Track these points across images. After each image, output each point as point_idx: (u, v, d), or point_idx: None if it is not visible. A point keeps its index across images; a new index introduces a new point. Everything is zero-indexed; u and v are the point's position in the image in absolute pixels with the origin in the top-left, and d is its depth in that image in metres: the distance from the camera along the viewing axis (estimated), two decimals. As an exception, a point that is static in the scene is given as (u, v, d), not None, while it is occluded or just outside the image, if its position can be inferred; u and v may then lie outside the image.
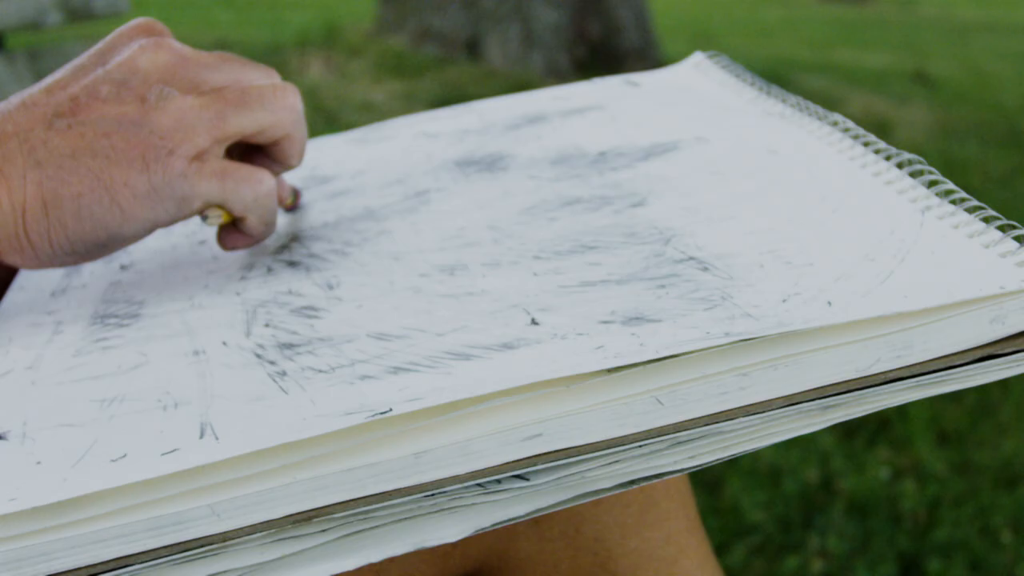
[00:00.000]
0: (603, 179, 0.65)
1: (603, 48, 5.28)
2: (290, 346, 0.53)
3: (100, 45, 0.58)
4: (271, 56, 4.88)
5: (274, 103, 0.58)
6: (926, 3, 11.60)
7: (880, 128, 4.70)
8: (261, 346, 0.53)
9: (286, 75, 4.67)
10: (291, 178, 0.75)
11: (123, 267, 0.65)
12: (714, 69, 0.80)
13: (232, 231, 0.60)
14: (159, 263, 0.64)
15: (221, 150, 0.57)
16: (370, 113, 4.31)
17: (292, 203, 0.68)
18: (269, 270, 0.61)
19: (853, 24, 9.61)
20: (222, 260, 0.64)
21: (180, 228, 0.68)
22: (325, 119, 4.17)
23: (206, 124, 0.56)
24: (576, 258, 0.56)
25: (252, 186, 0.57)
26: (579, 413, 0.45)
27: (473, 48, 5.00)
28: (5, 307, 0.62)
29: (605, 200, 0.62)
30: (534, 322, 0.51)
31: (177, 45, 0.57)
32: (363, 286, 0.58)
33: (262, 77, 0.59)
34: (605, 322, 0.50)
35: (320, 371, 0.50)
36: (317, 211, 0.68)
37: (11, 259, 0.56)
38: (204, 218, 0.57)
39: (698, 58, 0.83)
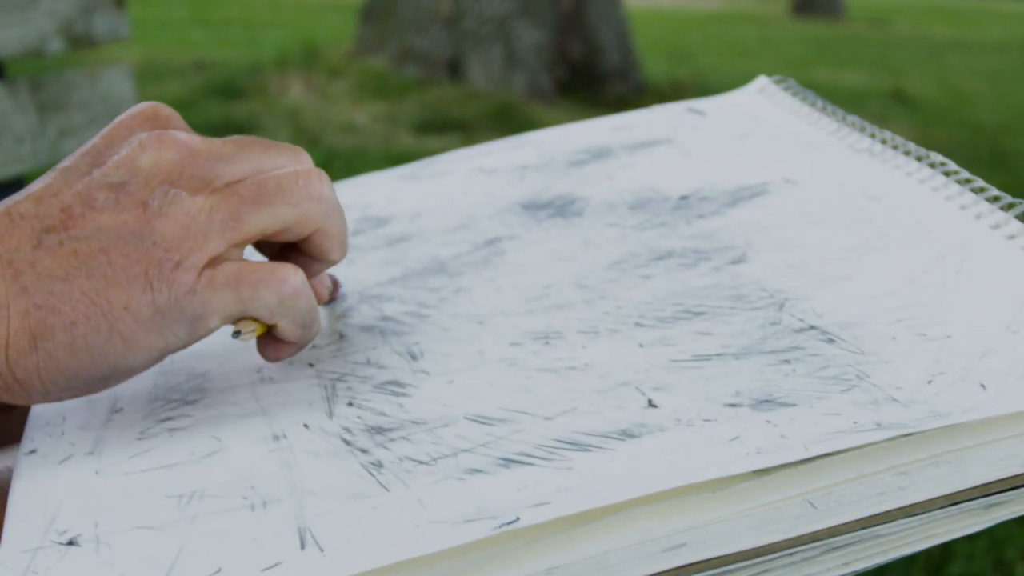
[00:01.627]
0: (692, 228, 0.61)
1: (585, 68, 5.25)
2: (380, 430, 0.48)
3: (95, 140, 0.50)
4: (250, 77, 4.82)
5: (297, 194, 0.49)
6: (899, 21, 11.66)
7: (863, 148, 4.68)
8: (348, 430, 0.48)
9: (266, 96, 4.62)
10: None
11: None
12: (781, 94, 0.76)
13: (270, 341, 0.52)
14: (218, 333, 0.59)
15: (240, 254, 0.49)
16: (352, 135, 4.26)
17: (331, 295, 0.62)
18: (341, 336, 0.56)
19: (828, 42, 9.64)
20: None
21: None
22: (307, 141, 4.12)
23: (218, 227, 0.47)
24: (683, 326, 0.52)
25: (274, 287, 0.49)
26: (725, 520, 0.41)
27: (455, 69, 4.96)
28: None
29: (700, 254, 0.58)
30: (651, 404, 0.47)
31: (184, 137, 0.49)
32: (450, 356, 0.53)
33: (287, 162, 0.51)
34: (731, 405, 0.46)
35: (420, 462, 0.45)
36: (379, 260, 0.64)
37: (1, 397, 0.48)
38: (236, 335, 0.49)
39: (762, 82, 0.79)
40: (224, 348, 0.57)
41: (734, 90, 0.81)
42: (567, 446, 0.45)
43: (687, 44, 8.50)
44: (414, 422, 0.48)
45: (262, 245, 0.54)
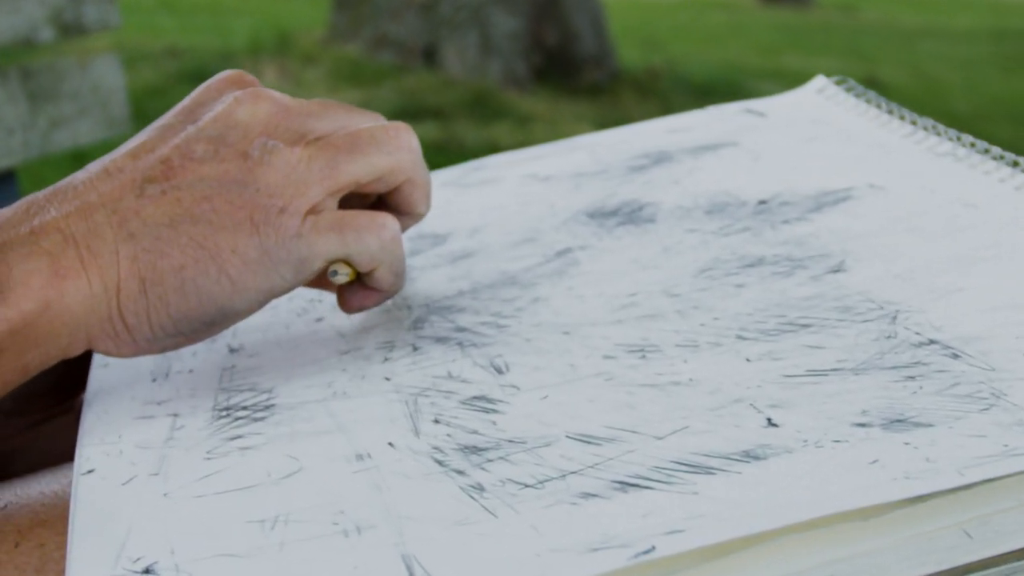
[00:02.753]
0: (780, 234, 0.57)
1: (560, 55, 5.21)
2: (475, 450, 0.44)
3: (185, 102, 0.51)
4: (223, 64, 4.75)
5: (389, 144, 0.51)
6: (868, 8, 11.69)
7: (839, 136, 4.67)
8: (438, 449, 0.45)
9: (240, 83, 4.55)
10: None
11: (233, 350, 0.56)
12: (842, 95, 0.73)
13: (358, 289, 0.53)
14: (276, 344, 0.56)
15: (335, 203, 0.51)
16: (329, 123, 4.21)
17: None
18: (415, 348, 0.53)
19: (798, 29, 9.64)
20: (351, 338, 0.55)
21: (286, 305, 0.60)
22: (283, 129, 4.06)
23: (317, 176, 0.49)
24: (790, 339, 0.49)
25: (376, 233, 0.51)
26: (876, 552, 0.38)
27: (430, 56, 4.91)
28: (95, 391, 0.53)
29: (795, 262, 0.55)
30: (771, 423, 0.43)
31: (276, 95, 0.51)
32: (539, 370, 0.49)
33: (369, 121, 0.52)
34: (860, 424, 0.42)
35: (526, 485, 0.42)
36: (443, 277, 0.60)
37: (103, 347, 0.49)
38: (333, 275, 0.51)
39: (821, 83, 0.76)
40: (289, 363, 0.53)
41: (791, 91, 0.79)
42: (687, 468, 0.41)
43: (657, 31, 8.48)
44: (511, 441, 0.45)
45: (351, 201, 0.53)
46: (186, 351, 0.56)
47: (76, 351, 0.48)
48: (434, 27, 4.89)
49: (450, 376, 0.50)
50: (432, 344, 0.53)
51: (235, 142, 0.49)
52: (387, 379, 0.50)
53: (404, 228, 0.55)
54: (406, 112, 4.36)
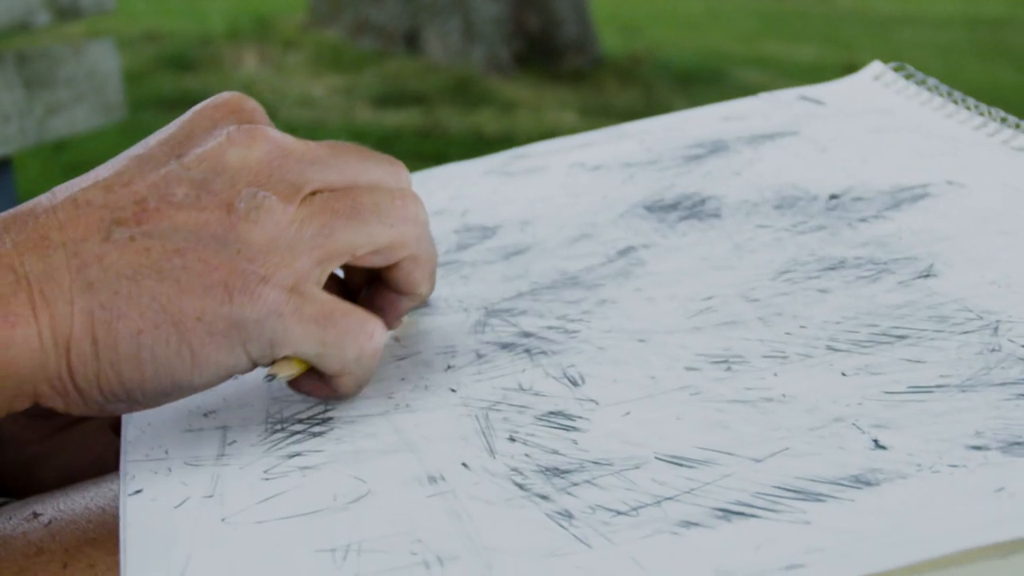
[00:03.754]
0: (859, 234, 0.54)
1: (542, 41, 5.18)
2: (558, 472, 0.41)
3: (172, 129, 0.45)
4: (202, 48, 4.69)
5: (393, 214, 0.45)
6: (844, -4, 11.67)
7: (822, 124, 4.65)
8: (517, 471, 0.42)
9: (219, 68, 4.50)
10: (441, 228, 0.63)
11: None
12: (901, 82, 0.70)
13: (312, 379, 0.46)
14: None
15: (323, 276, 0.44)
16: (310, 108, 4.16)
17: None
18: (479, 355, 0.50)
19: (776, 16, 9.63)
20: (407, 343, 0.52)
21: None
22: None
23: (308, 243, 0.43)
24: (886, 351, 0.46)
25: (360, 342, 0.44)
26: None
27: (412, 41, 4.87)
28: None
29: (880, 266, 0.52)
30: (878, 445, 0.40)
31: (276, 134, 0.44)
32: (617, 383, 0.46)
33: (383, 175, 0.46)
34: (976, 448, 0.39)
35: (619, 512, 0.39)
36: (498, 275, 0.57)
37: (52, 403, 0.43)
38: (270, 378, 0.44)
39: (878, 69, 0.73)
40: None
41: (846, 77, 0.76)
42: (793, 495, 0.38)
43: (635, 17, 8.44)
44: (596, 463, 0.41)
45: (346, 271, 0.48)
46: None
47: (22, 405, 0.43)
48: (416, 12, 4.84)
49: (521, 388, 0.47)
50: (497, 351, 0.50)
51: (220, 189, 0.43)
52: (452, 390, 0.47)
53: (402, 310, 0.49)
54: (389, 98, 4.32)
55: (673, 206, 0.61)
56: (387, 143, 3.89)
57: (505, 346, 0.50)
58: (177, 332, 0.41)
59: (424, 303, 0.51)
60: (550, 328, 0.51)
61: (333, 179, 0.44)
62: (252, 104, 0.46)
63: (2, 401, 0.42)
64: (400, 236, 0.45)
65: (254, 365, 0.44)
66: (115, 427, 0.58)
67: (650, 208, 0.61)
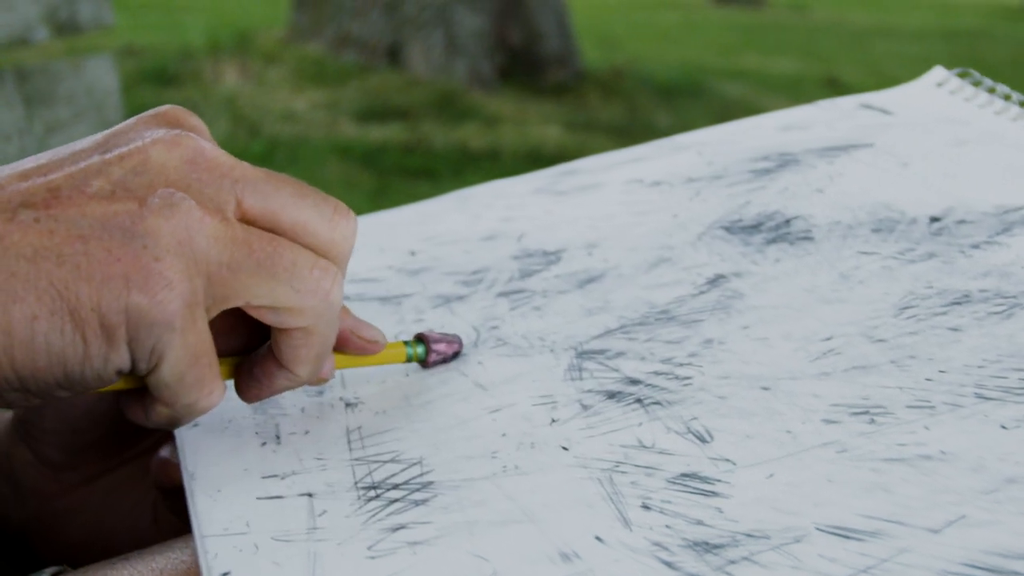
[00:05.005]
0: (975, 263, 0.50)
1: (525, 55, 5.14)
2: (708, 547, 0.36)
3: (107, 131, 0.43)
4: (183, 63, 4.63)
5: (306, 281, 0.42)
6: (819, 8, 11.71)
7: (807, 136, 4.63)
8: (661, 546, 0.37)
9: (200, 82, 4.44)
10: (497, 254, 0.58)
11: (349, 404, 0.48)
12: (968, 89, 0.66)
13: (131, 397, 0.43)
14: (402, 397, 0.47)
15: (213, 311, 0.41)
16: (293, 123, 4.11)
17: (422, 358, 0.50)
18: (584, 406, 0.45)
19: (752, 29, 9.64)
20: (495, 390, 0.47)
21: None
22: (247, 129, 3.96)
23: (214, 265, 0.40)
24: (1046, 398, 0.41)
25: (200, 395, 0.42)
26: None
27: (395, 55, 4.82)
28: (193, 460, 0.45)
29: (1010, 299, 0.47)
30: (1066, 508, 0.35)
31: (206, 145, 0.42)
32: (750, 438, 0.41)
33: (316, 218, 0.42)
34: None
35: (788, 594, 0.34)
36: (577, 308, 0.52)
37: None
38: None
39: (941, 75, 0.69)
40: (428, 423, 0.45)
41: (906, 84, 0.72)
42: (984, 572, 0.33)
43: (613, 30, 8.43)
44: (750, 535, 0.36)
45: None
46: (292, 404, 0.48)
47: None
48: (398, 26, 4.79)
49: (642, 445, 0.42)
50: (604, 401, 0.45)
51: (137, 187, 0.40)
52: (564, 448, 0.42)
53: (274, 388, 0.44)
54: (372, 112, 4.27)
55: (755, 227, 0.57)
56: (372, 158, 3.84)
57: (612, 395, 0.45)
58: (72, 321, 0.39)
59: (294, 387, 0.45)
60: (658, 374, 0.46)
61: (256, 204, 0.41)
62: (195, 121, 0.43)
63: None
64: (302, 304, 0.42)
65: (130, 372, 0.41)
66: (161, 487, 0.53)
67: (730, 229, 0.57)
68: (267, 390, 0.45)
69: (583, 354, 0.48)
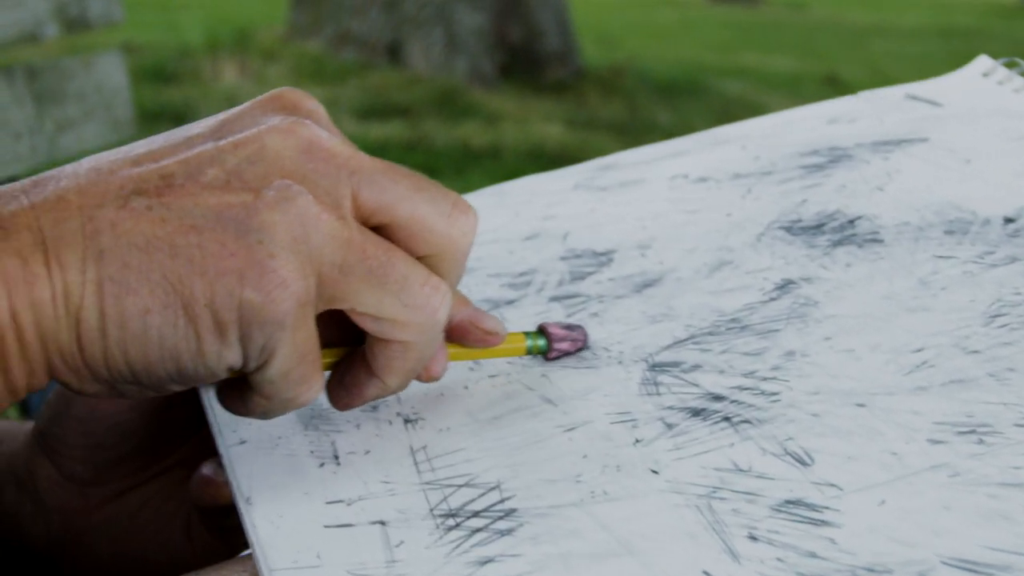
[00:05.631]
0: None
1: (525, 52, 5.12)
2: (824, 581, 0.33)
3: (220, 115, 0.41)
4: (181, 61, 4.60)
5: (415, 297, 0.40)
6: (816, 6, 11.71)
7: (808, 135, 4.62)
8: (774, 580, 0.34)
9: (199, 80, 4.41)
10: (543, 254, 0.56)
11: (409, 420, 0.45)
12: (1019, 80, 0.64)
13: (234, 390, 0.42)
14: (466, 412, 0.45)
15: (319, 309, 0.40)
16: (294, 122, 4.08)
17: (543, 351, 0.48)
18: (668, 425, 0.42)
19: (749, 27, 9.62)
20: (565, 406, 0.44)
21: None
22: (247, 128, 3.93)
23: (327, 266, 0.38)
24: None
25: (299, 392, 0.40)
26: None
27: (395, 53, 4.79)
28: (247, 483, 0.42)
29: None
30: None
31: (322, 133, 0.40)
32: (853, 460, 0.39)
33: (435, 212, 0.40)
34: None
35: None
36: (638, 315, 0.49)
37: (66, 380, 0.39)
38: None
39: (986, 64, 0.66)
40: (500, 441, 0.42)
41: (948, 74, 0.69)
42: None
43: (610, 28, 8.41)
44: (871, 570, 0.34)
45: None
46: (346, 421, 0.45)
47: (39, 382, 0.39)
48: (398, 24, 4.77)
49: (738, 468, 0.39)
50: (689, 419, 0.42)
51: (252, 178, 0.38)
52: (653, 471, 0.39)
53: (364, 397, 0.42)
54: (373, 110, 4.24)
55: (817, 227, 0.54)
56: (374, 155, 3.82)
57: (696, 412, 0.42)
58: (186, 315, 0.37)
59: (383, 397, 0.43)
60: (742, 389, 0.43)
61: (372, 198, 0.40)
62: (311, 104, 0.41)
63: (20, 374, 0.38)
64: (408, 319, 0.40)
65: (240, 369, 0.39)
66: (201, 506, 0.50)
67: (790, 229, 0.54)
68: (357, 399, 0.42)
69: (656, 367, 0.46)
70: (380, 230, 0.40)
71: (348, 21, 4.81)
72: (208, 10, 6.74)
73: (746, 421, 0.41)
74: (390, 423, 0.44)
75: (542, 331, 0.48)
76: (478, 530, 0.37)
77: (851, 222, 0.54)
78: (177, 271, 0.37)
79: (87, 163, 0.40)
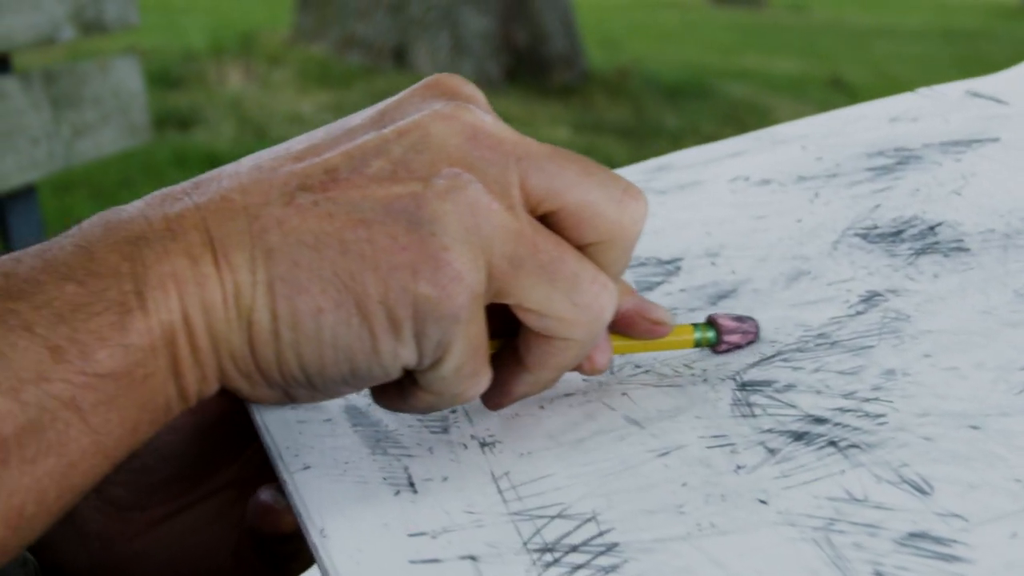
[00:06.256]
0: None
1: (530, 56, 5.10)
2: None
3: (380, 104, 0.40)
4: (186, 65, 4.58)
5: (585, 295, 0.38)
6: (817, 8, 11.69)
7: (815, 137, 4.60)
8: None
9: (204, 85, 4.38)
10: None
11: (484, 444, 0.42)
12: None
13: (392, 386, 0.40)
14: (547, 435, 0.42)
15: (486, 301, 0.38)
16: (300, 125, 4.05)
17: (712, 343, 0.46)
18: (769, 450, 0.39)
19: (752, 29, 9.60)
20: (653, 428, 0.41)
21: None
22: (253, 132, 3.90)
23: (497, 257, 0.37)
24: None
25: (468, 386, 0.39)
26: None
27: (400, 56, 4.77)
28: (316, 511, 0.39)
29: None
30: None
31: (487, 118, 0.38)
32: (975, 489, 0.36)
33: (605, 198, 0.39)
34: None
35: None
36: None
37: (237, 386, 0.38)
38: None
39: None
40: (590, 467, 0.40)
41: (1007, 70, 0.67)
42: None
43: (613, 30, 8.39)
44: None
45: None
46: (416, 444, 0.42)
47: (210, 389, 0.38)
48: (404, 27, 4.74)
49: (852, 498, 0.36)
50: (791, 443, 0.39)
51: (419, 167, 0.37)
52: (762, 501, 0.37)
53: (515, 393, 0.41)
54: (379, 114, 4.21)
55: (896, 234, 0.51)
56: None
57: (798, 436, 0.40)
58: (359, 314, 0.36)
59: (532, 394, 0.42)
60: (844, 411, 0.40)
61: (541, 185, 0.38)
62: (470, 90, 0.40)
63: (192, 380, 0.37)
64: (575, 317, 0.38)
65: (415, 366, 0.38)
66: (259, 533, 0.48)
67: (866, 236, 0.52)
68: (508, 397, 0.41)
69: (746, 386, 0.43)
70: (547, 217, 0.38)
71: (353, 24, 4.79)
72: (210, 14, 6.73)
73: (854, 446, 0.39)
74: (465, 447, 0.42)
75: (711, 322, 0.45)
76: (580, 567, 0.35)
77: (932, 229, 0.52)
78: (348, 267, 0.36)
79: (247, 162, 0.39)
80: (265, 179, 0.37)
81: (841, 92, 6.27)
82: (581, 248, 0.39)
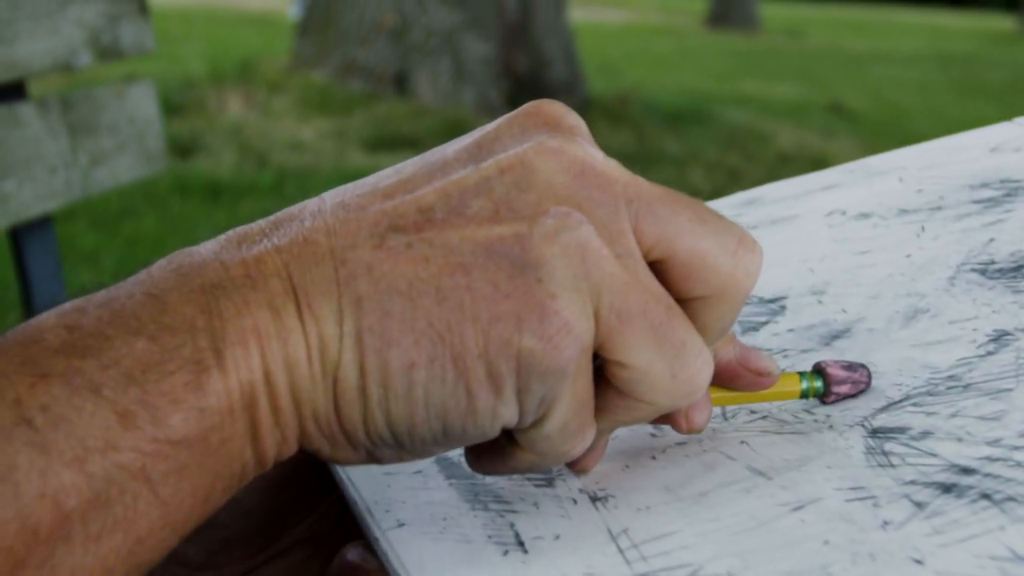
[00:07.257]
0: None
1: (531, 82, 5.08)
2: None
3: (476, 134, 0.36)
4: (186, 92, 4.55)
5: (686, 369, 0.35)
6: (813, 34, 11.71)
7: (818, 163, 4.59)
8: None
9: (205, 112, 4.36)
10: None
11: (597, 498, 0.39)
12: None
13: (487, 447, 0.37)
14: (667, 489, 0.38)
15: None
16: (301, 152, 4.03)
17: (820, 394, 0.42)
18: (917, 504, 0.36)
19: (749, 54, 9.61)
20: (784, 482, 0.38)
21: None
22: (254, 159, 3.87)
23: (604, 310, 0.33)
24: None
25: (574, 443, 0.36)
26: None
27: (401, 83, 4.74)
28: (420, 570, 0.35)
29: None
30: None
31: (597, 156, 0.35)
32: None
33: (717, 248, 0.35)
34: None
35: None
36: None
37: (317, 447, 0.35)
38: None
39: None
40: (724, 527, 0.36)
41: None
42: None
43: (611, 57, 8.39)
44: None
45: None
46: (520, 499, 0.39)
47: (289, 452, 0.35)
48: (405, 54, 4.72)
49: (1018, 557, 0.33)
50: (940, 496, 0.36)
51: (523, 207, 0.34)
52: (917, 561, 0.33)
53: (588, 440, 0.37)
54: (381, 141, 4.19)
55: (1016, 270, 0.49)
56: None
57: (947, 489, 0.36)
58: (455, 369, 0.33)
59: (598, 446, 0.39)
60: (992, 460, 0.37)
61: (652, 231, 0.34)
62: (574, 120, 0.36)
63: (271, 443, 0.34)
64: (669, 388, 0.35)
65: (516, 424, 0.34)
66: None
67: (984, 272, 0.49)
68: (579, 447, 0.37)
69: (878, 433, 0.40)
70: (653, 266, 0.35)
71: (354, 51, 4.77)
72: (208, 42, 6.71)
73: (1011, 499, 0.35)
74: (575, 502, 0.38)
75: (819, 371, 0.42)
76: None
77: None
78: (445, 318, 0.33)
79: (330, 198, 0.35)
80: (352, 219, 0.34)
81: (841, 116, 6.26)
82: (688, 302, 0.36)
